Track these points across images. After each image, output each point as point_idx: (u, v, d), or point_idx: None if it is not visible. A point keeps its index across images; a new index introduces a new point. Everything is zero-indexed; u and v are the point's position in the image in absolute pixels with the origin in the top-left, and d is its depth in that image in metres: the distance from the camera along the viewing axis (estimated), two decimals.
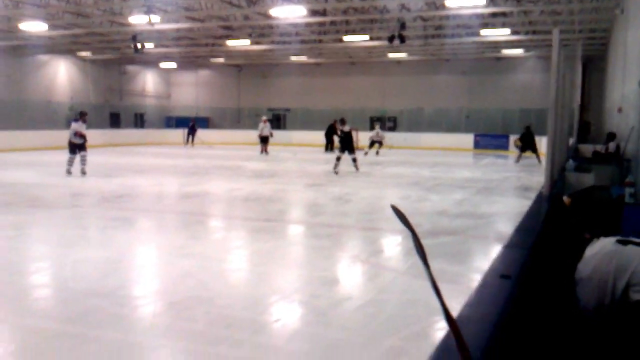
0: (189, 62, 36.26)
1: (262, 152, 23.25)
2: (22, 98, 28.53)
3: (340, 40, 25.32)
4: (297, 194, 11.97)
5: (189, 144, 28.10)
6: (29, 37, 24.53)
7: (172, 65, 36.61)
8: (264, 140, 23.59)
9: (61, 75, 32.08)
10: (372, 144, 23.41)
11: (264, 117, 25.02)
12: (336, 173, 14.88)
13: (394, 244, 7.37)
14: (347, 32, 23.61)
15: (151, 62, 35.33)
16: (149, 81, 38.08)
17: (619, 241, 2.83)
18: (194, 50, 30.04)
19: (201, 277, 5.49)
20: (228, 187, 12.79)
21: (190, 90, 38.82)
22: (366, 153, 22.69)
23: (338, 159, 15.30)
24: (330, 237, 7.62)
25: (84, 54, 31.34)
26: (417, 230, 1.25)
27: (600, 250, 2.81)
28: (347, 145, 15.40)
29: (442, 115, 31.39)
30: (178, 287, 5.17)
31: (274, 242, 7.25)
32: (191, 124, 28.93)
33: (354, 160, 15.65)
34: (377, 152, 23.28)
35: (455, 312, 1.66)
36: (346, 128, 15.55)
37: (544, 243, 3.00)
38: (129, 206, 10.07)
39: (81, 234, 8.06)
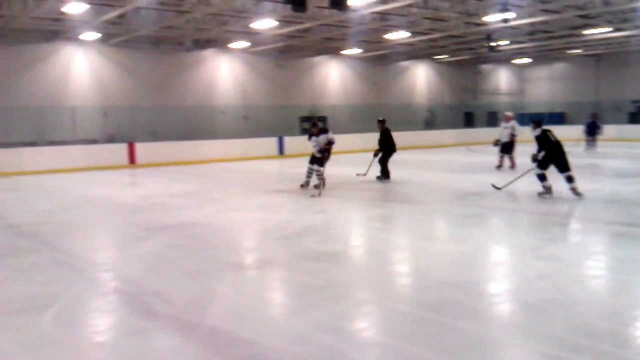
0: (542, 56, 35.00)
1: (499, 165, 15.35)
2: (386, 102, 31.47)
3: None
4: None
5: (589, 144, 22.75)
6: (393, 45, 26.94)
7: (526, 60, 35.85)
8: (505, 148, 15.20)
9: (420, 79, 34.37)
10: None
11: (508, 113, 15.97)
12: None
13: None
14: None
15: (504, 59, 35.20)
16: (502, 79, 38.04)
17: None
18: (548, 44, 28.88)
19: (557, 280, 5.32)
20: (588, 187, 11.98)
21: (544, 85, 37.41)
22: None
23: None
24: None
25: (440, 57, 32.99)
26: None
27: None
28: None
29: None
30: (533, 288, 5.11)
31: (637, 249, 6.57)
32: (591, 121, 23.39)
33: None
34: None
35: None
36: None
37: None
38: (482, 203, 10.27)
39: (438, 228, 8.60)
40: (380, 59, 31.27)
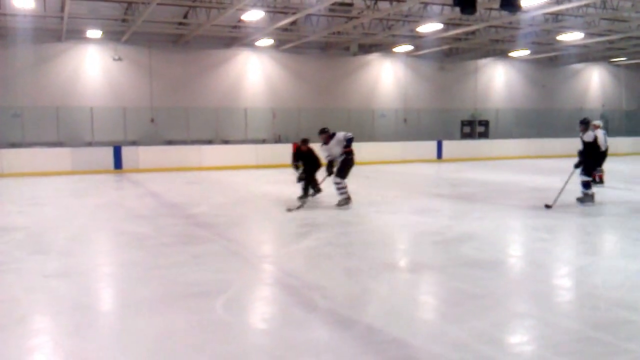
0: None
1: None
2: (554, 106, 29.78)
3: None
4: None
5: None
6: (565, 47, 25.45)
7: None
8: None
9: (593, 83, 32.10)
10: None
11: (595, 122, 13.38)
12: None
13: None
14: None
15: None
16: None
17: None
18: None
19: None
20: None
21: None
22: None
23: None
24: None
25: (618, 59, 30.55)
26: None
27: None
28: None
29: None
30: None
31: None
32: None
33: None
34: None
35: None
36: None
37: None
38: None
39: (609, 242, 8.02)
40: (550, 61, 29.68)
